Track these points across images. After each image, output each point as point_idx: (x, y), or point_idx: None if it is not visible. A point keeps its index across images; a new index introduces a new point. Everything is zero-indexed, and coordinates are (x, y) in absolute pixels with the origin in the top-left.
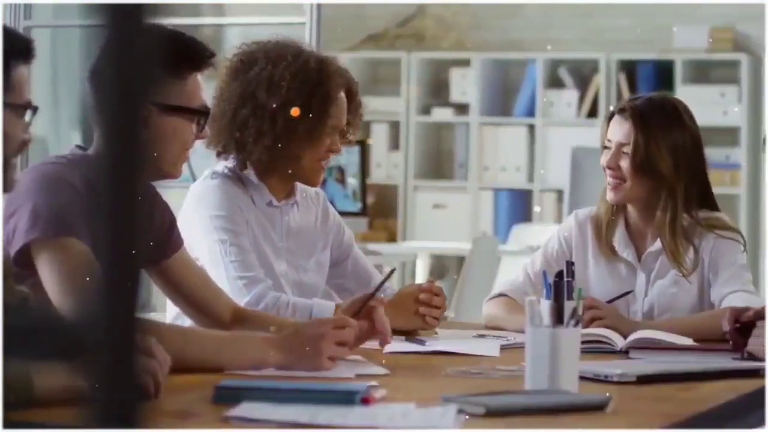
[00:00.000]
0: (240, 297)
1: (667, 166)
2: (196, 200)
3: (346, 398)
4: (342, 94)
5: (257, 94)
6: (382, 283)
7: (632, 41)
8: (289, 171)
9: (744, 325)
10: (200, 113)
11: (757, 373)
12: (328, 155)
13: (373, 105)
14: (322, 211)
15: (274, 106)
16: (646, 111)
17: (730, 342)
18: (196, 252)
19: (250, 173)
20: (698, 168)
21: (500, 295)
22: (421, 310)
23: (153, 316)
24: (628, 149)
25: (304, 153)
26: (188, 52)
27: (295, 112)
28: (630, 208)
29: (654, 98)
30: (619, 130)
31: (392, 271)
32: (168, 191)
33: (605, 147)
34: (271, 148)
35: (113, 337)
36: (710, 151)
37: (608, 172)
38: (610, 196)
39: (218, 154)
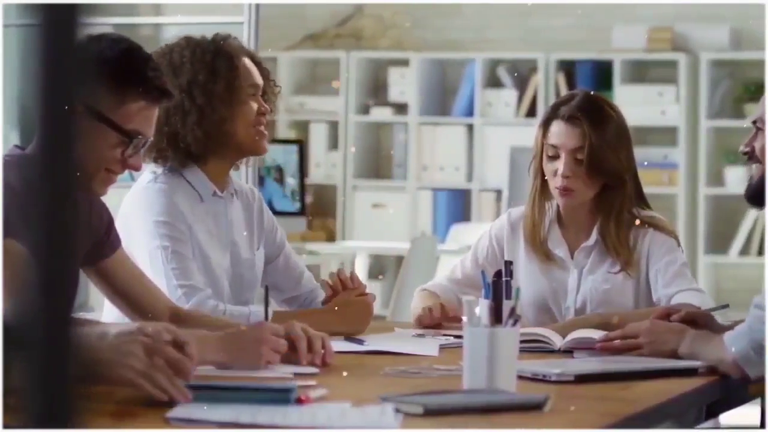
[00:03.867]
0: (179, 305)
1: (619, 163)
2: (139, 203)
3: (281, 398)
4: (245, 59)
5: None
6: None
7: (571, 41)
8: (228, 143)
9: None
10: (128, 136)
11: (695, 372)
12: (260, 118)
13: (311, 104)
14: (258, 211)
15: (186, 83)
16: (590, 112)
17: None
18: (136, 255)
19: (190, 167)
20: (634, 162)
21: (421, 291)
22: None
23: (90, 316)
24: (580, 154)
25: (234, 118)
26: (140, 76)
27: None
28: None
29: (588, 98)
30: (567, 135)
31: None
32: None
33: (552, 156)
34: (199, 122)
35: (49, 338)
36: (648, 150)
37: (561, 179)
38: (563, 201)
39: (155, 160)
